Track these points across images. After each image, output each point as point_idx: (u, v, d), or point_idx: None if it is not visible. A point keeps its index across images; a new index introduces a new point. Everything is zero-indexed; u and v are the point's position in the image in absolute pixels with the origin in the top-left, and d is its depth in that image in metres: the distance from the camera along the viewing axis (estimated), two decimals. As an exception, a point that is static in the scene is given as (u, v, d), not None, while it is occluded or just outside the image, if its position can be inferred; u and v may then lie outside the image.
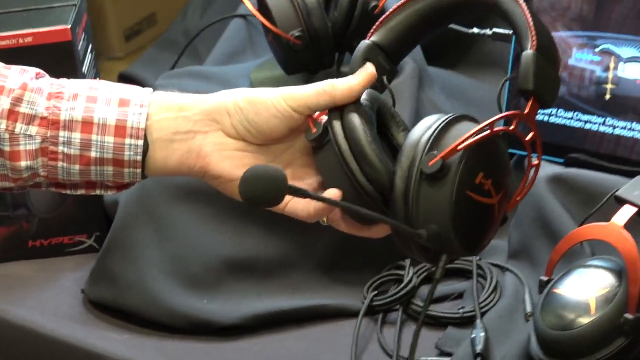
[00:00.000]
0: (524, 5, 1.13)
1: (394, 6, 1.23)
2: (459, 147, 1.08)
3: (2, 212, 1.65)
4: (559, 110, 1.54)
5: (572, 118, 1.53)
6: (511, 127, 1.13)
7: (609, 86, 1.51)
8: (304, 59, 1.62)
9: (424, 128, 1.12)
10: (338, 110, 1.16)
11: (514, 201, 1.18)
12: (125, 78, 2.01)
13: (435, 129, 1.11)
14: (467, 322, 1.40)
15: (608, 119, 1.51)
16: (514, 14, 1.14)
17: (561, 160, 1.52)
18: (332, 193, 1.15)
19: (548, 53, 1.13)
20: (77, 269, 1.60)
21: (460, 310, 1.42)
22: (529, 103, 1.11)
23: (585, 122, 1.53)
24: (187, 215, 1.53)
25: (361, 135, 1.13)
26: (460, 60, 1.82)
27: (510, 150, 1.56)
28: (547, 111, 1.54)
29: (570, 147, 1.53)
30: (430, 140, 1.10)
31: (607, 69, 1.51)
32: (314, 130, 1.16)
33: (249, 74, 1.76)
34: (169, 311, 1.48)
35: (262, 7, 1.64)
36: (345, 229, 1.20)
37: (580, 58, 1.52)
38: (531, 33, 1.11)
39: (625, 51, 1.49)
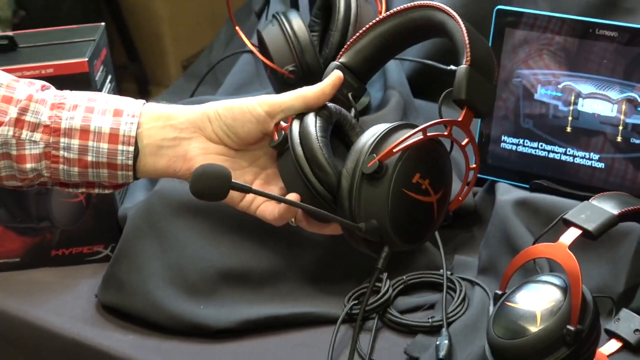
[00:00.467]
0: (462, 25, 1.16)
1: (360, 31, 1.25)
2: (395, 150, 1.11)
3: (27, 224, 1.65)
4: (525, 141, 1.54)
5: (537, 148, 1.54)
6: (445, 133, 1.15)
7: (569, 119, 1.51)
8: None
9: (369, 135, 1.16)
10: (298, 119, 1.18)
11: (456, 200, 1.20)
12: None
13: (378, 135, 1.14)
14: (435, 330, 1.40)
15: (569, 149, 1.51)
16: (455, 33, 1.17)
17: (527, 186, 1.53)
18: (292, 195, 1.17)
19: (483, 68, 1.15)
20: (93, 276, 1.60)
21: (430, 320, 1.42)
22: (463, 112, 1.13)
23: (549, 151, 1.53)
24: (187, 229, 1.53)
25: (314, 142, 1.16)
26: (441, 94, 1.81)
27: (483, 176, 1.58)
28: (515, 141, 1.55)
29: (535, 174, 1.53)
30: (372, 145, 1.13)
31: (568, 104, 1.51)
32: (276, 138, 1.19)
33: None
34: (169, 315, 1.48)
35: (262, 45, 1.66)
36: (309, 228, 1.23)
37: (544, 93, 1.53)
38: (466, 50, 1.14)
39: (585, 88, 1.49)
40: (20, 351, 1.60)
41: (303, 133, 1.17)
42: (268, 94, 1.74)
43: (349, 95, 1.25)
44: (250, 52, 1.76)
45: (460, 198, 1.20)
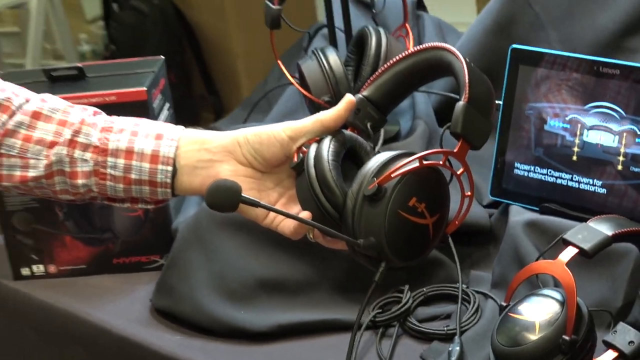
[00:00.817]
0: (465, 65, 1.17)
1: (381, 68, 1.26)
2: (393, 175, 1.12)
3: (93, 235, 1.67)
4: (536, 168, 1.53)
5: (546, 174, 1.53)
6: (441, 162, 1.15)
7: (575, 149, 1.50)
8: None
9: (374, 161, 1.16)
10: (317, 143, 1.19)
11: (453, 224, 1.20)
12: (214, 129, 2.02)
13: (382, 161, 1.15)
14: (449, 337, 1.39)
15: (575, 176, 1.50)
16: (459, 73, 1.18)
17: (536, 209, 1.52)
18: (304, 213, 1.18)
19: (479, 105, 1.16)
20: (149, 283, 1.62)
21: (445, 328, 1.42)
22: (459, 144, 1.14)
23: (557, 178, 1.52)
24: (229, 242, 1.54)
25: (325, 165, 1.17)
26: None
27: (498, 199, 1.58)
28: (527, 168, 1.54)
29: (544, 198, 1.52)
30: (376, 170, 1.14)
31: (574, 134, 1.50)
32: (295, 160, 1.20)
33: None
34: (212, 318, 1.49)
35: (302, 77, 1.67)
36: (325, 243, 1.25)
37: (553, 125, 1.52)
38: (465, 88, 1.14)
39: (589, 120, 1.48)
40: (84, 348, 1.62)
41: (317, 156, 1.19)
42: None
43: (368, 125, 1.26)
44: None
45: (456, 222, 1.20)
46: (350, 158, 1.23)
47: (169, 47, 4.19)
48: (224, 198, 1.14)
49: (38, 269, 1.70)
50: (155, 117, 1.61)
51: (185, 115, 4.20)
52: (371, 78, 1.28)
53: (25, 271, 1.70)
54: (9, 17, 5.62)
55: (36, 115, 1.24)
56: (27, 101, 1.25)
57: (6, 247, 1.70)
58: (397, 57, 1.27)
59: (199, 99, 4.32)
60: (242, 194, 1.13)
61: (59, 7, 4.84)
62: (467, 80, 1.16)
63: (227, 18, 4.20)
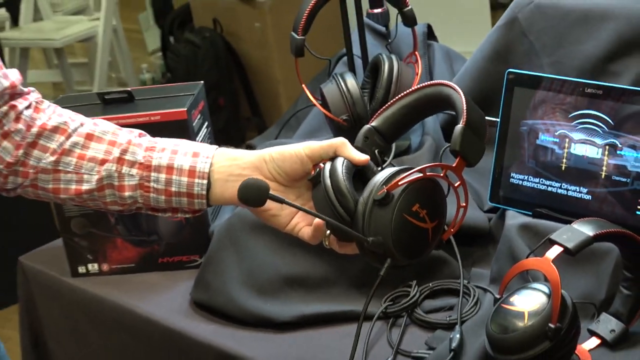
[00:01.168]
0: (462, 96, 1.19)
1: (389, 102, 1.28)
2: (400, 183, 1.13)
3: (140, 237, 1.69)
4: (529, 177, 1.54)
5: (538, 182, 1.53)
6: (441, 174, 1.17)
7: (564, 160, 1.50)
8: (350, 135, 1.61)
9: (383, 173, 1.18)
10: (331, 160, 1.21)
11: (449, 232, 1.21)
12: (249, 146, 2.04)
13: (390, 173, 1.17)
14: (451, 327, 1.41)
15: (563, 184, 1.51)
16: (457, 103, 1.19)
17: (529, 213, 1.52)
18: (318, 221, 1.19)
19: (475, 128, 1.18)
20: (189, 279, 1.63)
21: (447, 318, 1.43)
22: (457, 160, 1.15)
23: (548, 186, 1.53)
24: (258, 243, 1.55)
25: (339, 175, 1.19)
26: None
27: (496, 204, 1.59)
28: (521, 177, 1.55)
29: (536, 203, 1.53)
30: (385, 180, 1.15)
31: (563, 147, 1.51)
32: (312, 173, 1.22)
33: None
34: (242, 310, 1.51)
35: (323, 99, 1.68)
36: (338, 249, 1.25)
37: (544, 139, 1.53)
38: (463, 114, 1.16)
39: (576, 135, 1.49)
40: (131, 335, 1.64)
41: (331, 170, 1.21)
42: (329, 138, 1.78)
43: (376, 151, 1.28)
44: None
45: (451, 229, 1.22)
46: (359, 176, 1.25)
47: (219, 75, 4.22)
48: (254, 194, 1.15)
49: (92, 267, 1.72)
50: (194, 134, 1.63)
51: (233, 134, 4.24)
52: (379, 110, 1.29)
53: (81, 269, 1.72)
54: (79, 49, 5.69)
55: (89, 137, 1.26)
56: (82, 125, 1.27)
57: (65, 248, 1.72)
58: (401, 94, 1.28)
59: (245, 120, 4.35)
60: (270, 192, 1.16)
61: (122, 40, 4.89)
62: (464, 107, 1.18)
63: (269, 49, 4.23)
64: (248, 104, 4.36)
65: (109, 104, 1.67)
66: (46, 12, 4.62)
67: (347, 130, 1.61)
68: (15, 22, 4.83)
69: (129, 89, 1.69)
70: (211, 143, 1.72)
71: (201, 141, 1.67)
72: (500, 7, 4.98)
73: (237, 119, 4.25)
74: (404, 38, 1.83)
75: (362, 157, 1.23)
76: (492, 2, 4.64)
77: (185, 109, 1.60)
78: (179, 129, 1.59)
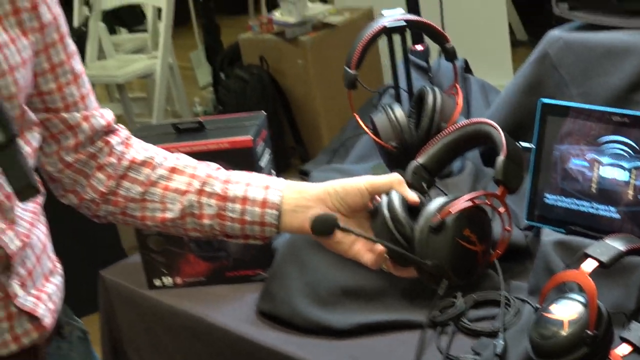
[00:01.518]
0: (501, 132, 1.19)
1: (432, 140, 1.29)
2: (452, 211, 1.14)
3: (211, 253, 1.70)
4: (562, 197, 1.54)
5: (571, 203, 1.53)
6: (487, 202, 1.17)
7: (594, 183, 1.50)
8: (399, 160, 1.64)
9: (436, 202, 1.18)
10: (387, 194, 1.22)
11: (495, 254, 1.22)
12: (302, 172, 2.07)
13: (443, 202, 1.17)
14: (495, 334, 1.40)
15: (594, 204, 1.51)
16: (496, 138, 1.20)
17: (563, 231, 1.52)
18: (378, 247, 1.20)
19: (515, 159, 1.18)
20: (255, 291, 1.63)
21: (491, 327, 1.43)
22: (500, 189, 1.16)
23: (579, 205, 1.52)
24: (319, 258, 1.55)
25: (396, 206, 1.19)
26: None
27: (532, 223, 1.58)
28: (555, 197, 1.55)
29: (569, 222, 1.53)
30: (438, 207, 1.16)
31: (592, 170, 1.50)
32: (371, 206, 1.23)
33: (369, 170, 1.80)
34: (305, 319, 1.51)
35: (374, 127, 1.69)
36: (395, 272, 1.25)
37: (575, 163, 1.53)
38: (503, 147, 1.17)
39: (605, 159, 1.49)
40: (203, 344, 1.65)
41: (389, 202, 1.21)
42: (380, 163, 1.78)
43: (423, 184, 1.29)
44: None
45: (499, 251, 1.22)
46: (410, 207, 1.26)
47: (265, 108, 4.21)
48: (324, 225, 1.18)
49: (167, 280, 1.73)
50: (258, 160, 1.64)
51: (278, 162, 4.23)
52: (425, 147, 1.30)
53: (157, 282, 1.74)
54: (138, 85, 5.74)
55: (173, 170, 1.27)
56: (165, 159, 1.28)
57: (143, 263, 1.73)
58: (444, 132, 1.29)
59: (290, 149, 4.36)
60: (338, 223, 1.17)
61: (177, 77, 4.93)
62: (504, 141, 1.19)
63: (311, 84, 4.24)
64: (292, 134, 4.37)
65: (181, 133, 1.68)
66: (109, 51, 4.65)
67: (396, 155, 1.63)
68: (82, 60, 4.87)
69: (199, 119, 1.70)
70: (272, 168, 1.75)
71: (264, 166, 1.68)
72: (519, 44, 4.99)
73: (283, 147, 4.26)
74: (444, 71, 1.85)
75: (415, 198, 1.24)
76: (513, 40, 4.65)
77: (251, 137, 1.61)
78: (245, 155, 1.60)
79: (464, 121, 1.29)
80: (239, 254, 1.70)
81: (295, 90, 4.34)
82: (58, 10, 1.20)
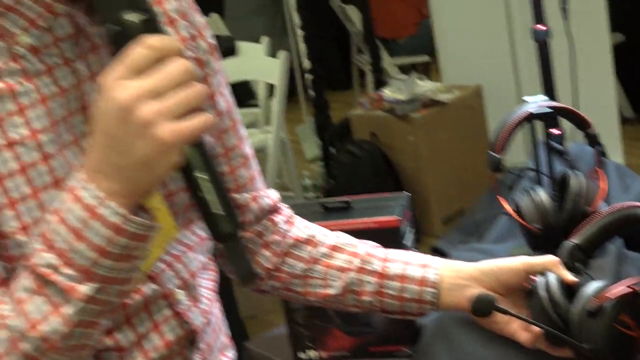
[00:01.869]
0: None
1: (586, 221, 1.31)
2: (610, 296, 1.16)
3: (356, 328, 1.70)
4: None
5: None
6: None
7: None
8: (542, 242, 1.66)
9: (592, 287, 1.20)
10: (542, 275, 1.25)
11: None
12: (435, 250, 2.07)
13: (599, 287, 1.19)
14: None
15: None
16: None
17: None
18: (535, 327, 1.22)
19: None
20: None
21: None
22: None
23: None
24: (468, 337, 1.55)
25: (554, 289, 1.22)
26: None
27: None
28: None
29: None
30: (595, 292, 1.18)
31: None
32: (528, 286, 1.26)
33: (510, 251, 1.79)
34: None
35: (518, 209, 1.71)
36: (549, 351, 1.26)
37: None
38: None
39: None
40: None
41: (547, 283, 1.24)
42: (520, 244, 1.78)
43: (577, 265, 1.31)
44: (506, 213, 1.81)
45: None
46: (565, 288, 1.27)
47: (377, 182, 4.29)
48: (483, 305, 1.20)
49: (312, 353, 1.74)
50: (403, 238, 1.65)
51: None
52: (578, 227, 1.32)
53: (302, 355, 1.75)
54: (248, 158, 5.86)
55: (334, 248, 1.32)
56: (326, 236, 1.34)
57: (289, 336, 1.75)
58: (600, 214, 1.31)
59: (399, 222, 4.38)
60: (496, 304, 1.20)
61: (288, 151, 5.02)
62: None
63: (421, 160, 4.30)
64: (401, 208, 4.40)
65: (330, 212, 1.71)
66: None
67: (539, 237, 1.64)
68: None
69: (346, 198, 1.73)
70: (414, 246, 1.77)
71: (408, 245, 1.68)
72: (626, 121, 4.96)
73: (393, 221, 4.29)
74: (579, 154, 1.86)
75: (573, 279, 1.26)
76: (622, 117, 4.63)
77: (398, 217, 1.64)
78: (391, 235, 1.62)
79: (619, 204, 1.31)
80: (383, 329, 1.70)
81: (406, 165, 4.39)
82: (231, 100, 1.28)
